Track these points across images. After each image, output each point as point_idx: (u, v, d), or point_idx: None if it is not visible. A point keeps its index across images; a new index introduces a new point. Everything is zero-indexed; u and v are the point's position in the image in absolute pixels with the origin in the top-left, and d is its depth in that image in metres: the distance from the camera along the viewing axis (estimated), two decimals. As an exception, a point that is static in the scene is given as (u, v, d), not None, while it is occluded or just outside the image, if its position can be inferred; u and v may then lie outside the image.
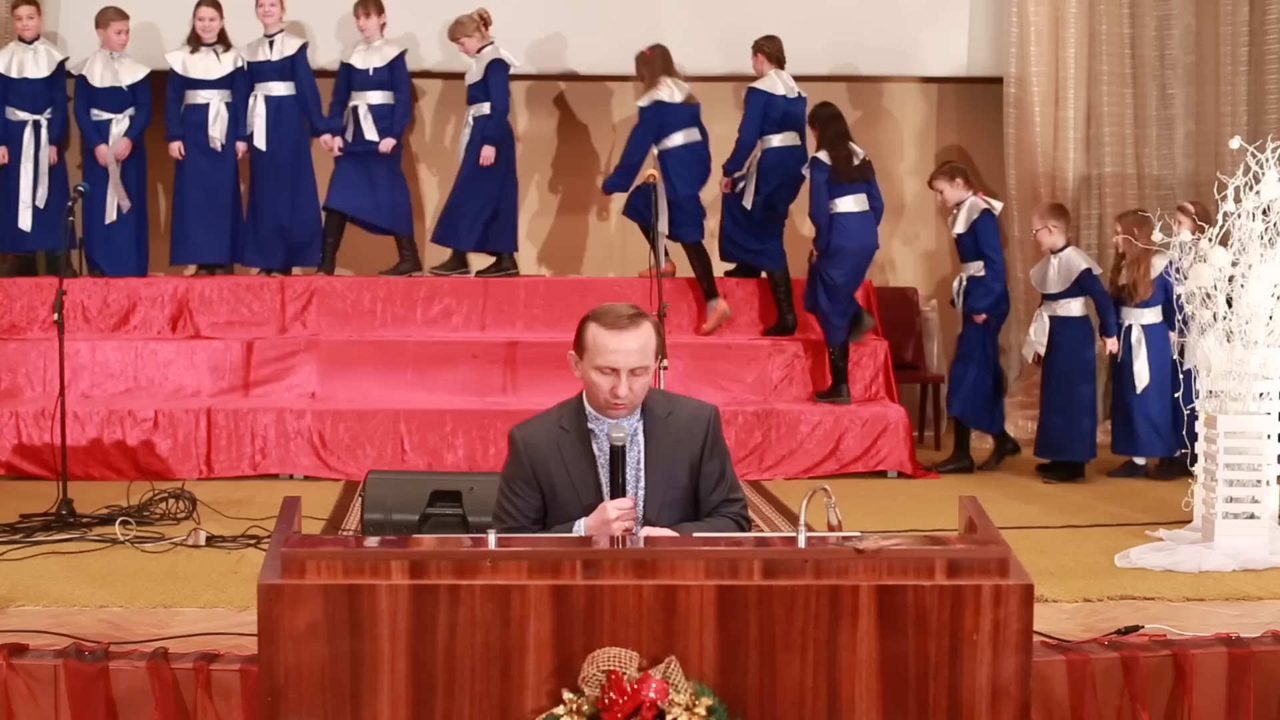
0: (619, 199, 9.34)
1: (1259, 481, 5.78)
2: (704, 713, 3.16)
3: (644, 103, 8.75)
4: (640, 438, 3.91)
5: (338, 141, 9.02)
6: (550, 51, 9.93)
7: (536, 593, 3.23)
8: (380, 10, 9.05)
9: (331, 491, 7.36)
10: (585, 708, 3.17)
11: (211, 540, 6.04)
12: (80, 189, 7.10)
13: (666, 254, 8.76)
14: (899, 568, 3.28)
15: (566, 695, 3.20)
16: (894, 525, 6.26)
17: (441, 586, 3.23)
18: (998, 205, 8.30)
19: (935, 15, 10.00)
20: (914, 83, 10.24)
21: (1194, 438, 6.06)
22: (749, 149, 8.76)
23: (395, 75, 9.09)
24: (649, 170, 8.20)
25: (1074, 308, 7.91)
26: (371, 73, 9.03)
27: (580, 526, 3.82)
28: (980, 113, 10.16)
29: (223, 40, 9.01)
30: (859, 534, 3.44)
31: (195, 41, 8.98)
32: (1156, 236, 6.38)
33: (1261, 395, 5.89)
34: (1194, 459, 6.08)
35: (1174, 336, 7.76)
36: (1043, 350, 7.97)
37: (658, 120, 8.70)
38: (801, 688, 3.25)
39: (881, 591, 3.25)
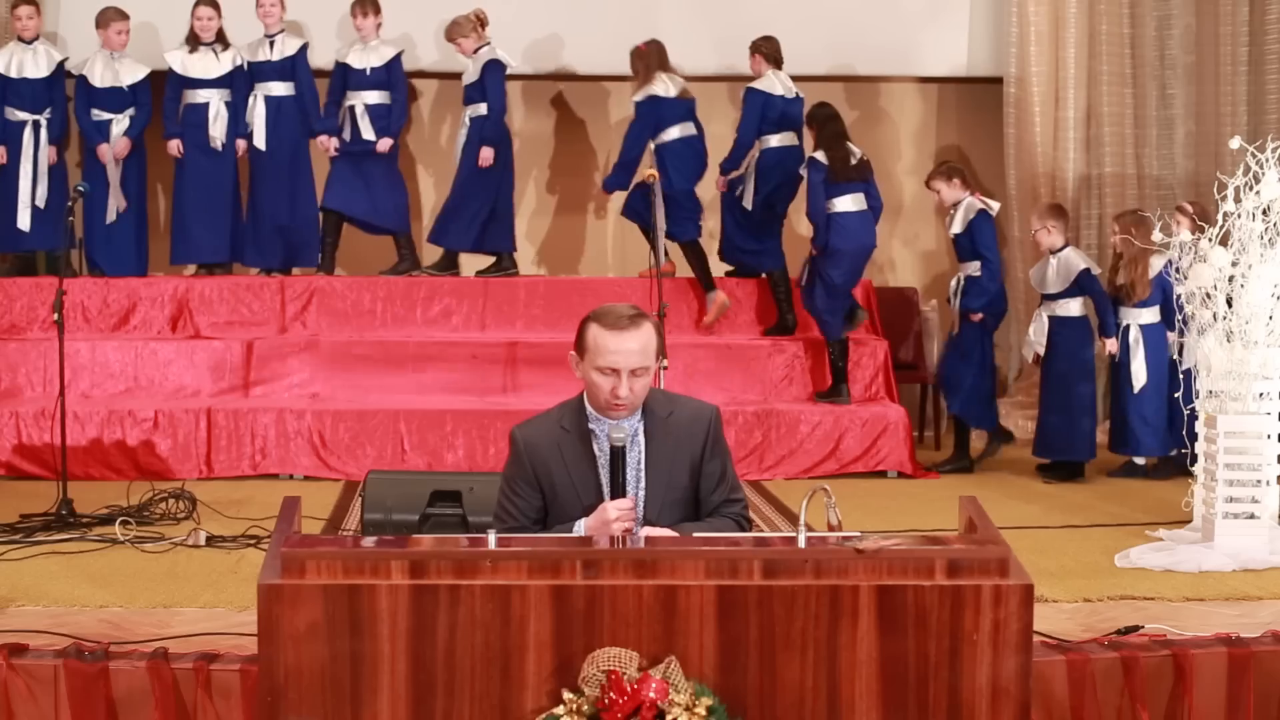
0: (618, 199, 9.34)
1: (1259, 481, 5.78)
2: (704, 713, 3.16)
3: (639, 98, 8.76)
4: (641, 438, 3.91)
5: (334, 142, 9.02)
6: (548, 51, 9.93)
7: (536, 593, 3.23)
8: (377, 10, 9.05)
9: (331, 491, 7.36)
10: (585, 708, 3.17)
11: (211, 540, 6.04)
12: (80, 189, 7.10)
13: (666, 254, 8.75)
14: (899, 568, 3.28)
15: (566, 695, 3.20)
16: (894, 525, 6.26)
17: (441, 586, 3.23)
18: (995, 205, 8.31)
19: (935, 15, 10.00)
20: (914, 83, 10.25)
21: (1194, 438, 6.06)
22: (747, 148, 8.77)
23: (392, 75, 9.09)
24: (649, 169, 8.20)
25: (1073, 308, 7.92)
26: (368, 72, 9.04)
27: (580, 527, 3.82)
28: (980, 113, 10.16)
29: (221, 39, 9.01)
30: (859, 534, 3.44)
31: (194, 41, 8.98)
32: (1157, 236, 6.38)
33: (1261, 395, 5.89)
34: (1194, 459, 6.08)
35: (1172, 336, 7.78)
36: (1042, 350, 7.97)
37: (654, 115, 8.71)
38: (801, 688, 3.25)
39: (881, 591, 3.25)
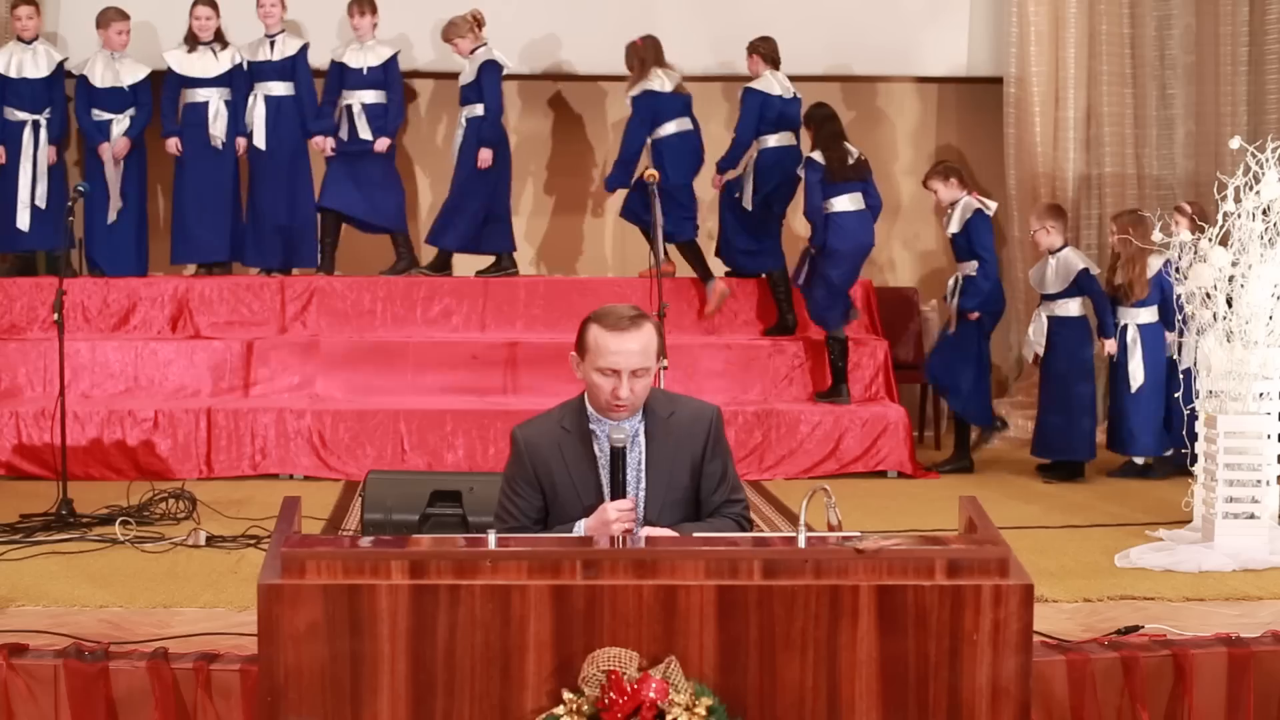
0: (617, 199, 9.35)
1: (1259, 481, 5.78)
2: (704, 713, 3.16)
3: (635, 93, 8.77)
4: (641, 438, 3.91)
5: (330, 142, 9.02)
6: (546, 51, 9.93)
7: (536, 593, 3.23)
8: (374, 9, 9.06)
9: (331, 491, 7.36)
10: (585, 708, 3.17)
11: (211, 540, 6.04)
12: (80, 189, 7.11)
13: (666, 254, 8.76)
14: (899, 568, 3.28)
15: (566, 695, 3.20)
16: (894, 525, 6.26)
17: (441, 586, 3.23)
18: (992, 205, 8.31)
19: (935, 15, 10.00)
20: (914, 83, 10.25)
21: (1194, 438, 6.06)
22: (744, 148, 8.78)
23: (389, 75, 9.09)
24: (649, 167, 8.21)
25: (1072, 308, 7.92)
26: (365, 72, 9.04)
27: (580, 527, 3.82)
28: (980, 113, 10.16)
29: (219, 39, 9.02)
30: (859, 534, 3.44)
31: (192, 41, 8.99)
32: (1157, 236, 6.39)
33: (1261, 395, 5.89)
34: (1194, 459, 6.08)
35: (1170, 336, 7.79)
36: (1041, 350, 7.98)
37: (650, 109, 8.72)
38: (801, 688, 3.25)
39: (881, 591, 3.25)
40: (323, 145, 9.03)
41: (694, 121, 8.87)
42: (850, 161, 8.27)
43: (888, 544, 3.34)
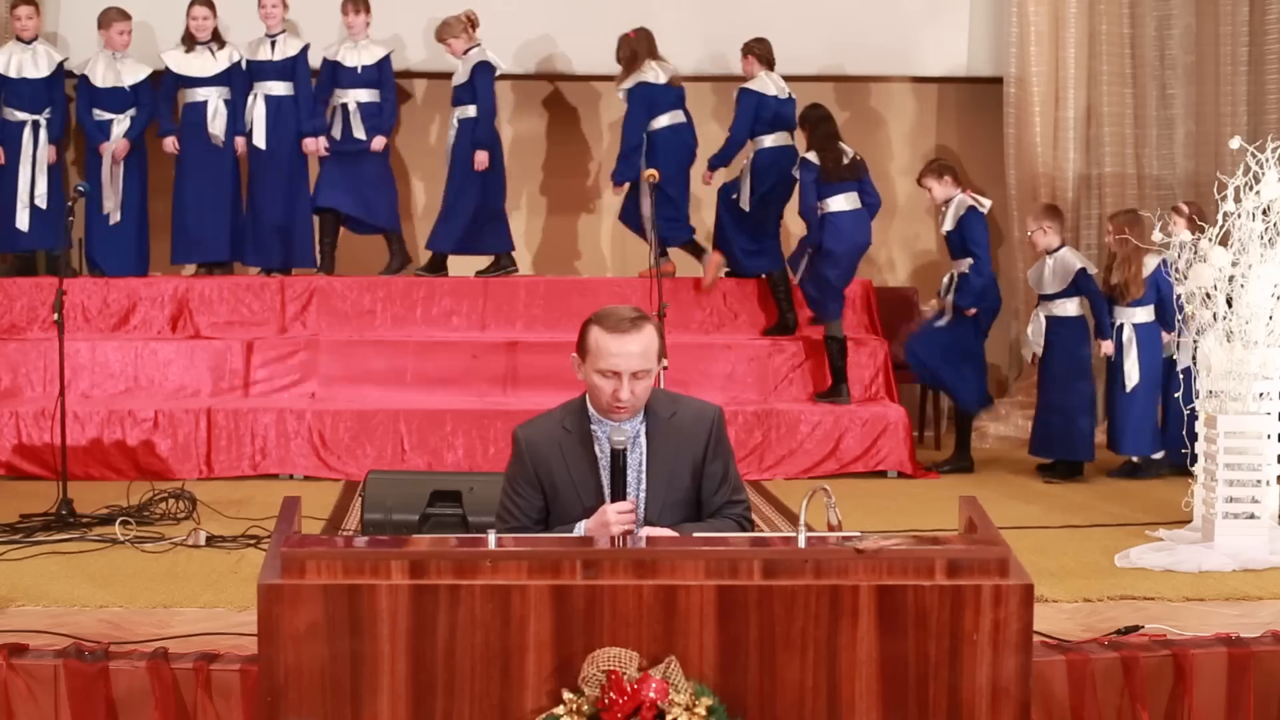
0: (613, 200, 9.36)
1: (1259, 481, 5.78)
2: (704, 713, 3.16)
3: (629, 85, 8.77)
4: (643, 439, 3.91)
5: (322, 142, 9.02)
6: (542, 51, 9.93)
7: (536, 593, 3.23)
8: (368, 8, 9.06)
9: (331, 491, 7.36)
10: (585, 708, 3.17)
11: (211, 540, 6.04)
12: (80, 189, 7.11)
13: (666, 254, 8.77)
14: (899, 568, 3.28)
15: (566, 695, 3.20)
16: (894, 525, 6.26)
17: (441, 586, 3.23)
18: (986, 202, 8.32)
19: (935, 15, 10.00)
20: (913, 83, 10.25)
21: (1194, 438, 6.07)
22: (739, 146, 8.80)
23: (383, 74, 9.10)
24: (647, 169, 8.21)
25: (1070, 308, 7.93)
26: (360, 71, 9.04)
27: (581, 529, 3.82)
28: (980, 113, 10.16)
29: (217, 38, 9.02)
30: (859, 534, 3.44)
31: (190, 41, 8.99)
32: (1157, 236, 6.39)
33: (1261, 395, 5.89)
34: (1194, 459, 6.08)
35: (1167, 336, 7.81)
36: (1040, 350, 7.99)
37: (646, 100, 8.73)
38: (801, 688, 3.25)
39: (881, 591, 3.25)
40: (315, 147, 9.02)
41: (687, 115, 8.89)
42: (845, 161, 8.30)
43: (888, 544, 3.34)
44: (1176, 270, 6.24)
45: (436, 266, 9.23)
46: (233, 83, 9.00)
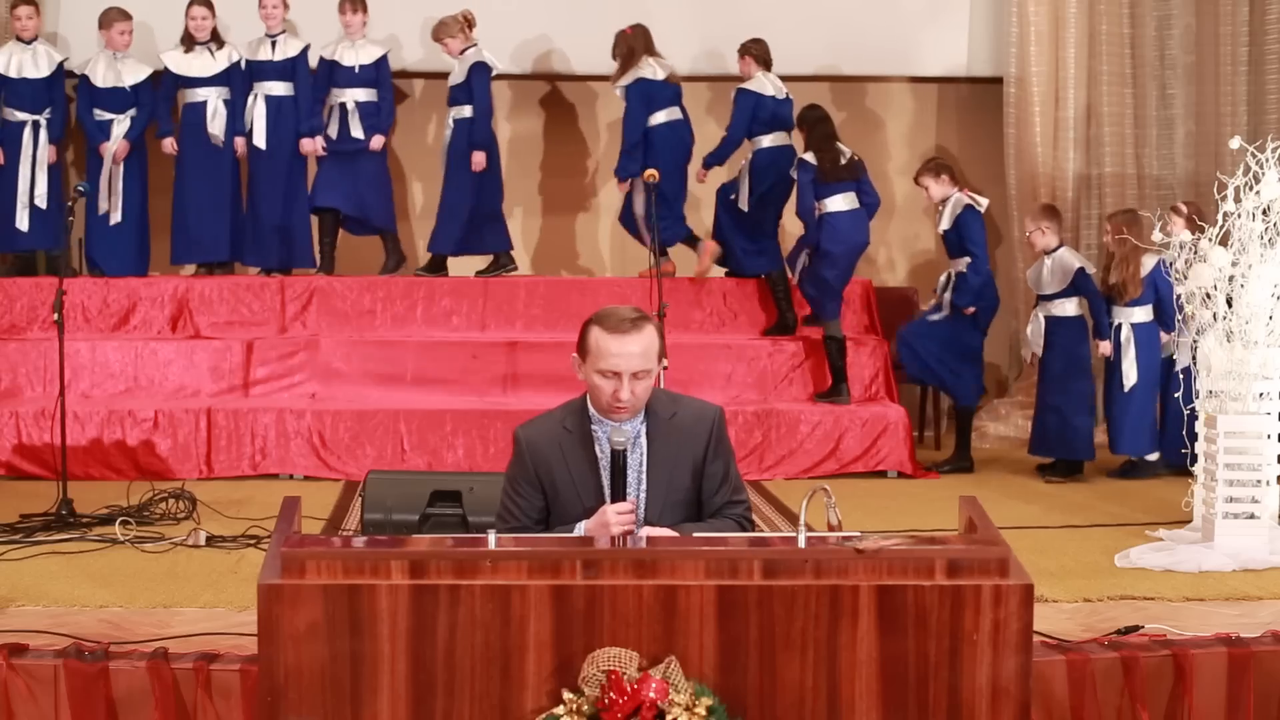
0: (611, 200, 9.36)
1: (1259, 481, 5.78)
2: (704, 713, 3.16)
3: (626, 82, 8.78)
4: (643, 439, 3.91)
5: (320, 142, 9.01)
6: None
7: (536, 593, 3.23)
8: (365, 7, 9.06)
9: (331, 491, 7.36)
10: (585, 708, 3.17)
11: (211, 540, 6.04)
12: (80, 189, 7.11)
13: (665, 254, 8.77)
14: (899, 568, 3.28)
15: (566, 695, 3.20)
16: (894, 525, 6.26)
17: (441, 586, 3.23)
18: (983, 201, 8.33)
19: (935, 15, 10.00)
20: (913, 83, 10.25)
21: (1194, 438, 6.07)
22: (735, 146, 8.82)
23: (381, 73, 9.10)
24: (648, 169, 8.21)
25: (1069, 308, 7.94)
26: (358, 70, 9.04)
27: (581, 529, 3.82)
28: (980, 113, 10.16)
29: (215, 39, 9.02)
30: (859, 534, 3.44)
31: (189, 41, 8.99)
32: (1156, 236, 6.39)
33: (1261, 395, 5.89)
34: (1194, 459, 6.08)
35: (1166, 336, 7.81)
36: (1040, 351, 7.99)
37: (644, 96, 8.74)
38: (801, 688, 3.25)
39: (881, 591, 3.25)
40: (313, 147, 9.02)
41: (684, 112, 8.90)
42: (843, 161, 8.31)
43: (888, 544, 3.34)
44: (1176, 270, 6.24)
45: (436, 266, 9.23)
46: (232, 83, 9.00)
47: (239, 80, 9.01)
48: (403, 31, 9.72)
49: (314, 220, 9.17)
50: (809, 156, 8.32)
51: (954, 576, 3.27)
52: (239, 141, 9.01)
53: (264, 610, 3.23)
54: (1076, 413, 7.87)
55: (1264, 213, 5.92)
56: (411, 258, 9.66)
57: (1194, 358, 6.24)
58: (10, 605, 4.89)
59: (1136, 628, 4.52)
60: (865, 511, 6.72)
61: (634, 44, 8.80)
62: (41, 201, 8.85)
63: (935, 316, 8.39)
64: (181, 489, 6.81)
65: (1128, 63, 9.82)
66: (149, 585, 5.23)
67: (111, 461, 7.80)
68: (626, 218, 9.03)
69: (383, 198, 9.21)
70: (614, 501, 3.79)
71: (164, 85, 9.01)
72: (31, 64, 8.92)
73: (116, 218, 8.93)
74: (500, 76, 9.28)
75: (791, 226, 9.03)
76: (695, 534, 3.72)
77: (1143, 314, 7.85)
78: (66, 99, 9.08)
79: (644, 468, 3.90)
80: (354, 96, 9.03)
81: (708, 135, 9.07)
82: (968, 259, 8.18)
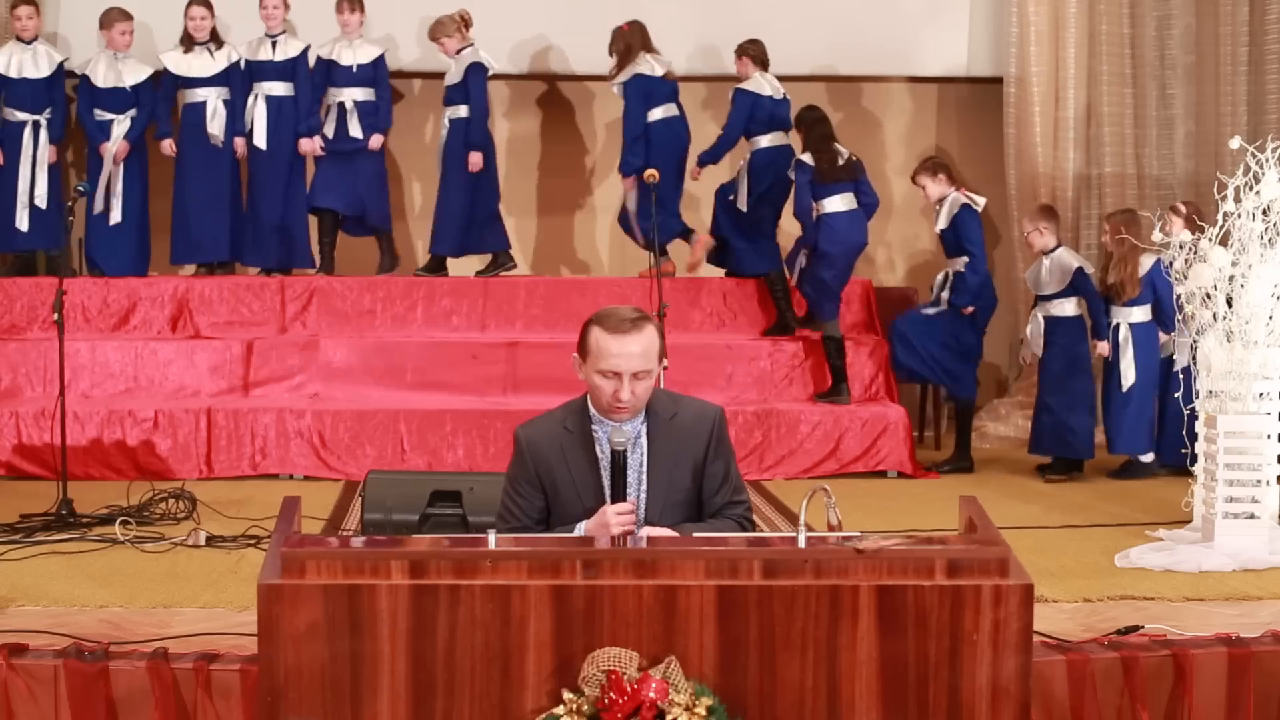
0: (609, 201, 9.36)
1: (1259, 481, 5.78)
2: (704, 713, 3.16)
3: (624, 78, 8.78)
4: (644, 440, 3.91)
5: (318, 142, 9.01)
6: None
7: (536, 593, 3.23)
8: (362, 6, 9.06)
9: (331, 491, 7.36)
10: (585, 708, 3.18)
11: (211, 540, 6.04)
12: (80, 189, 7.11)
13: (665, 253, 8.77)
14: (899, 568, 3.28)
15: (566, 695, 3.20)
16: (894, 525, 6.26)
17: (441, 586, 3.23)
18: (980, 200, 8.33)
19: (935, 15, 10.00)
20: (913, 83, 10.25)
21: (1194, 438, 6.07)
22: (731, 144, 8.84)
23: (379, 72, 9.10)
24: (648, 169, 8.21)
25: (1068, 308, 7.94)
26: (356, 69, 9.03)
27: (581, 529, 3.82)
28: (980, 113, 10.16)
29: (215, 39, 9.02)
30: (859, 534, 3.44)
31: (188, 41, 8.99)
32: (1156, 236, 6.39)
33: (1261, 395, 5.89)
34: (1194, 459, 6.08)
35: (1164, 336, 7.81)
36: (1040, 352, 8.00)
37: (643, 91, 8.75)
38: (801, 688, 3.25)
39: (881, 591, 3.25)
40: (311, 147, 9.02)
41: (680, 109, 8.91)
42: (841, 162, 8.31)
43: (888, 544, 3.34)
44: (1176, 270, 6.24)
45: (436, 267, 9.23)
46: (231, 83, 9.00)
47: (238, 80, 9.01)
48: (400, 31, 9.71)
49: (313, 220, 9.17)
50: (806, 157, 8.33)
51: (954, 576, 3.27)
52: (239, 142, 9.01)
53: (264, 610, 3.23)
54: (1075, 411, 7.87)
55: (1264, 213, 5.92)
56: (409, 258, 9.66)
57: (1194, 358, 6.24)
58: (10, 605, 4.89)
59: (1136, 628, 4.52)
60: (865, 511, 6.72)
61: (631, 40, 8.81)
62: (41, 201, 8.86)
63: (930, 311, 8.40)
64: (181, 489, 6.81)
65: (1128, 63, 9.82)
66: (149, 585, 5.23)
67: (111, 461, 7.80)
68: (625, 219, 9.03)
69: (380, 198, 9.21)
70: (614, 502, 3.79)
71: (164, 86, 9.01)
72: (32, 64, 8.92)
73: (116, 218, 8.93)
74: (498, 76, 9.28)
75: (791, 227, 9.04)
76: (695, 534, 3.72)
77: (1141, 314, 7.86)
78: (67, 99, 9.08)
79: (644, 468, 3.90)
80: (352, 96, 9.03)
81: (706, 135, 9.07)
82: (965, 258, 8.18)
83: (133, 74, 8.97)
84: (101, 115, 8.92)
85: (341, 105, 9.03)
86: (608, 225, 9.89)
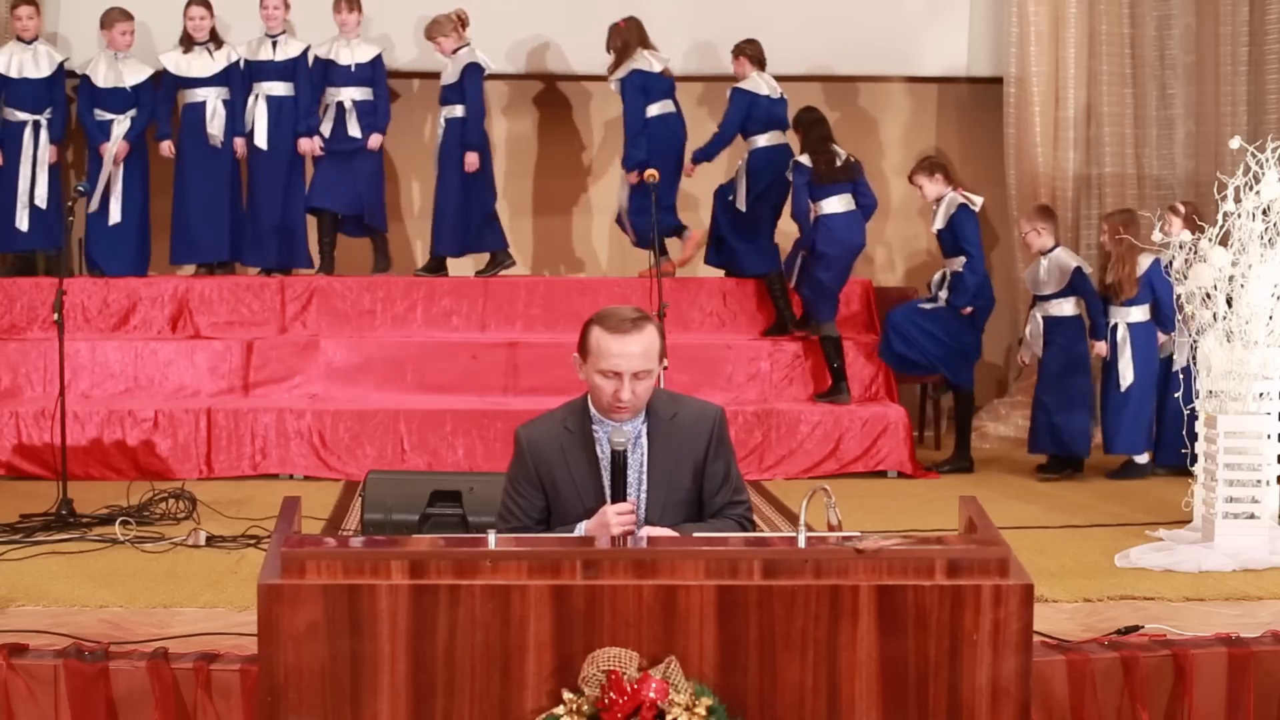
0: (607, 201, 9.36)
1: (1259, 481, 5.78)
2: (704, 713, 3.16)
3: (622, 74, 8.78)
4: (644, 440, 3.91)
5: (317, 142, 9.01)
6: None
7: (536, 593, 3.23)
8: (360, 6, 9.06)
9: (331, 491, 7.36)
10: (585, 708, 3.18)
11: (211, 540, 6.04)
12: (80, 189, 7.12)
13: (665, 253, 8.77)
14: (899, 568, 3.28)
15: (566, 695, 3.20)
16: (894, 525, 6.26)
17: (441, 586, 3.23)
18: (977, 200, 8.33)
19: (935, 15, 10.00)
20: (913, 83, 10.25)
21: (1194, 438, 6.07)
22: (726, 142, 8.85)
23: (377, 72, 9.10)
24: (649, 169, 8.22)
25: (1066, 307, 7.95)
26: (354, 69, 9.03)
27: (581, 529, 3.82)
28: (979, 113, 10.16)
29: (214, 39, 9.02)
30: (859, 534, 3.44)
31: (188, 41, 8.99)
32: (1155, 236, 6.39)
33: (1261, 395, 5.89)
34: (1194, 459, 6.08)
35: (1163, 336, 7.82)
36: (1039, 352, 8.00)
37: (641, 87, 8.75)
38: (801, 688, 3.25)
39: (881, 591, 3.25)
40: (310, 147, 9.02)
41: (677, 105, 8.91)
42: (838, 163, 8.31)
43: (888, 544, 3.34)
44: (1175, 270, 6.25)
45: (436, 267, 9.23)
46: (231, 83, 9.00)
47: (238, 80, 9.01)
48: (397, 31, 9.71)
49: (312, 220, 9.16)
50: (804, 159, 8.33)
51: (954, 576, 3.27)
52: (238, 142, 9.01)
53: (264, 610, 3.23)
54: (1071, 410, 7.87)
55: (1264, 213, 5.92)
56: (408, 257, 9.65)
57: (1193, 358, 6.24)
58: (10, 605, 4.89)
59: (1136, 628, 4.52)
60: (865, 511, 6.73)
61: (628, 37, 8.82)
62: (41, 201, 8.86)
63: (927, 305, 8.39)
64: (181, 489, 6.81)
65: (1128, 63, 9.82)
66: (149, 585, 5.23)
67: (111, 461, 7.80)
68: (620, 222, 9.04)
69: (377, 198, 9.21)
70: (614, 502, 3.79)
71: (164, 86, 9.01)
72: (32, 64, 8.92)
73: (116, 218, 8.93)
74: (495, 76, 9.28)
75: (791, 229, 9.05)
76: (695, 534, 3.72)
77: (1139, 314, 7.86)
78: (67, 99, 9.08)
79: (644, 468, 3.90)
80: (350, 95, 9.03)
81: (703, 134, 9.06)
82: (963, 258, 8.18)
83: (133, 74, 8.97)
84: (102, 115, 8.92)
85: (340, 105, 9.03)
86: (606, 225, 9.89)
